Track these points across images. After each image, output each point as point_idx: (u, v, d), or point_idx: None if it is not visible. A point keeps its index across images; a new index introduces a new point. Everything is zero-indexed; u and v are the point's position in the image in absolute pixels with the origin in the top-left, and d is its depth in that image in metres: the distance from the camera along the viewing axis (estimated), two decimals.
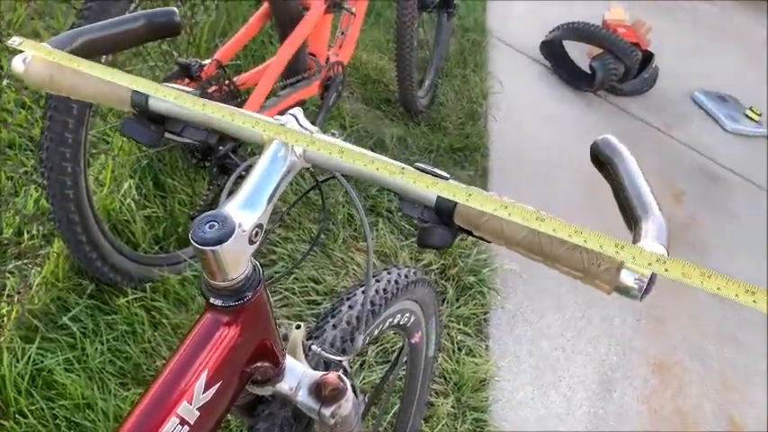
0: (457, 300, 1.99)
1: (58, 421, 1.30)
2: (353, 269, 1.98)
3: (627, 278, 0.51)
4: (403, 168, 0.57)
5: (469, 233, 0.59)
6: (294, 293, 1.82)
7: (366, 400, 0.91)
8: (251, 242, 0.58)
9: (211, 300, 0.60)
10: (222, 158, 1.62)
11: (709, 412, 1.99)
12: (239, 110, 0.65)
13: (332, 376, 0.72)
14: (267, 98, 1.78)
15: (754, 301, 0.45)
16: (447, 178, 0.59)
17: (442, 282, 2.02)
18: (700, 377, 2.09)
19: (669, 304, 2.34)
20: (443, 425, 1.67)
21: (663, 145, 3.29)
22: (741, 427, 1.99)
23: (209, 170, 1.70)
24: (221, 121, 0.63)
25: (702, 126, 3.57)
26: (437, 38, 2.96)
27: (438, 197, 0.57)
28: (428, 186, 0.55)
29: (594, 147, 0.65)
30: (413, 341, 1.25)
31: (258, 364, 0.68)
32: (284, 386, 0.72)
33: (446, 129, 2.78)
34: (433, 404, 1.71)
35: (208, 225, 0.56)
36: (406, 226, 2.21)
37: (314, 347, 0.84)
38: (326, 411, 0.72)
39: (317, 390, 0.72)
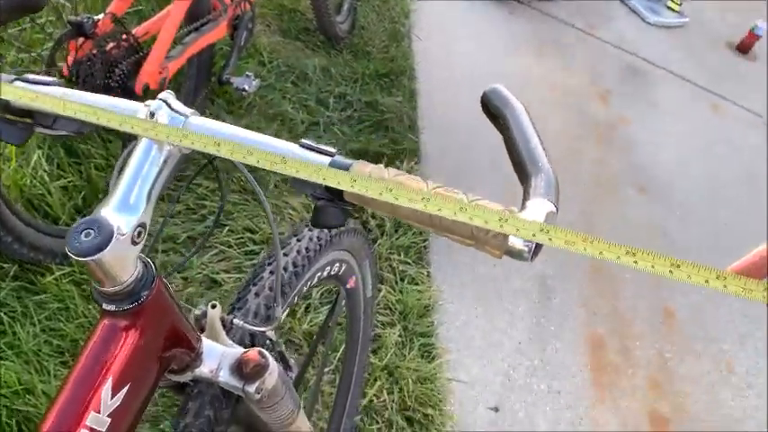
0: (396, 231, 2.00)
1: None
2: (288, 213, 1.96)
3: (515, 243, 0.50)
4: (284, 158, 0.54)
5: (362, 208, 0.58)
6: (230, 246, 1.80)
7: (299, 361, 0.91)
8: (134, 243, 0.56)
9: (105, 306, 0.58)
10: None
11: (644, 308, 2.09)
12: (106, 102, 0.60)
13: (252, 353, 0.72)
14: (172, 47, 1.69)
15: (635, 262, 0.46)
16: (333, 154, 0.57)
17: (380, 215, 2.02)
18: (633, 276, 2.18)
19: (598, 208, 2.41)
20: (392, 354, 1.72)
21: (587, 46, 3.29)
22: (675, 316, 2.10)
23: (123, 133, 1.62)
24: (88, 118, 0.59)
25: (625, 22, 3.58)
26: None
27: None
28: (311, 175, 0.53)
29: (484, 97, 0.63)
30: (348, 287, 1.25)
31: (171, 353, 0.66)
32: (204, 369, 0.72)
33: (370, 54, 2.71)
34: (380, 335, 1.75)
35: (83, 233, 0.53)
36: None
37: (236, 321, 0.83)
38: (250, 388, 0.71)
39: (239, 368, 0.72)
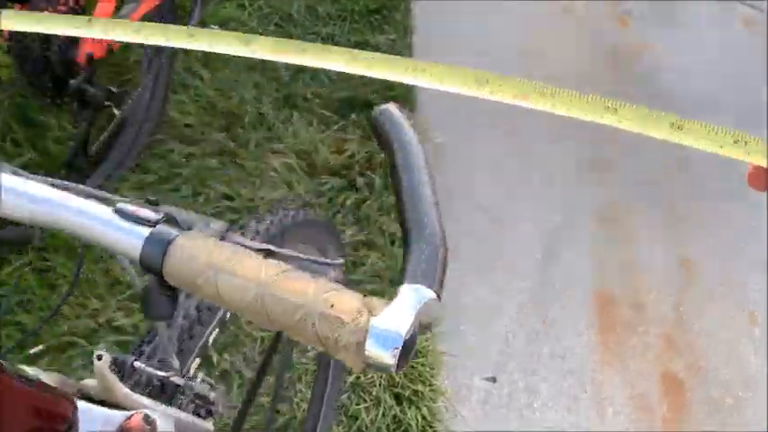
0: (386, 188, 1.86)
1: None
2: (271, 176, 1.83)
3: (374, 352, 0.38)
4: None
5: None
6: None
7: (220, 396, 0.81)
8: None
9: None
10: (78, 93, 1.42)
11: (658, 259, 1.94)
12: None
13: (134, 420, 0.61)
14: (121, 4, 1.53)
15: (619, 121, 0.33)
16: (155, 223, 0.44)
17: (368, 173, 1.88)
18: (647, 223, 2.02)
19: (615, 143, 2.23)
20: None
21: None
22: (693, 264, 1.94)
23: (73, 108, 1.50)
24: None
25: None
26: None
27: (141, 252, 0.43)
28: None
29: (373, 120, 0.49)
30: None
31: None
32: None
33: None
34: None
35: None
36: (327, 113, 2.04)
37: (137, 364, 0.72)
38: None
39: None
